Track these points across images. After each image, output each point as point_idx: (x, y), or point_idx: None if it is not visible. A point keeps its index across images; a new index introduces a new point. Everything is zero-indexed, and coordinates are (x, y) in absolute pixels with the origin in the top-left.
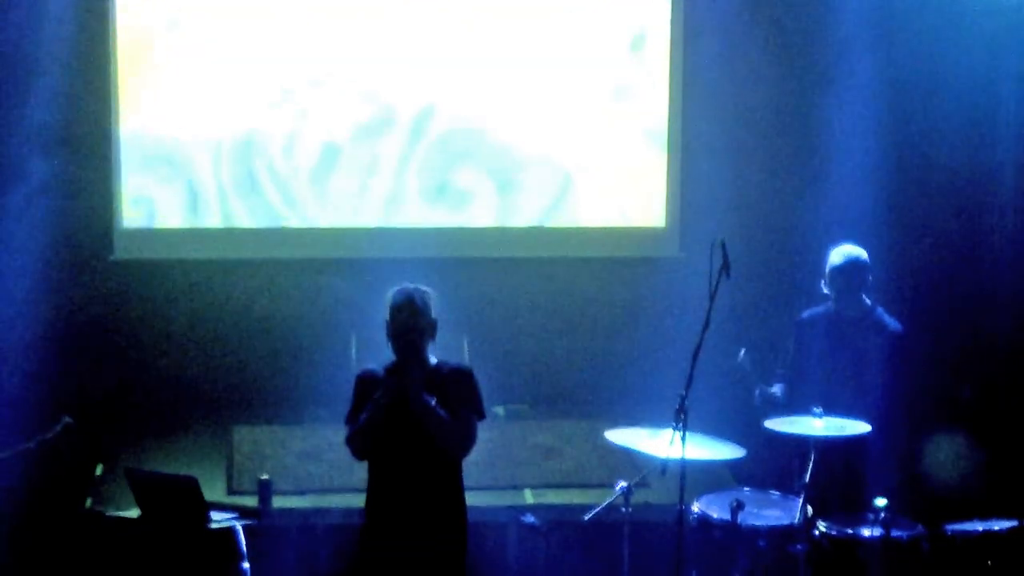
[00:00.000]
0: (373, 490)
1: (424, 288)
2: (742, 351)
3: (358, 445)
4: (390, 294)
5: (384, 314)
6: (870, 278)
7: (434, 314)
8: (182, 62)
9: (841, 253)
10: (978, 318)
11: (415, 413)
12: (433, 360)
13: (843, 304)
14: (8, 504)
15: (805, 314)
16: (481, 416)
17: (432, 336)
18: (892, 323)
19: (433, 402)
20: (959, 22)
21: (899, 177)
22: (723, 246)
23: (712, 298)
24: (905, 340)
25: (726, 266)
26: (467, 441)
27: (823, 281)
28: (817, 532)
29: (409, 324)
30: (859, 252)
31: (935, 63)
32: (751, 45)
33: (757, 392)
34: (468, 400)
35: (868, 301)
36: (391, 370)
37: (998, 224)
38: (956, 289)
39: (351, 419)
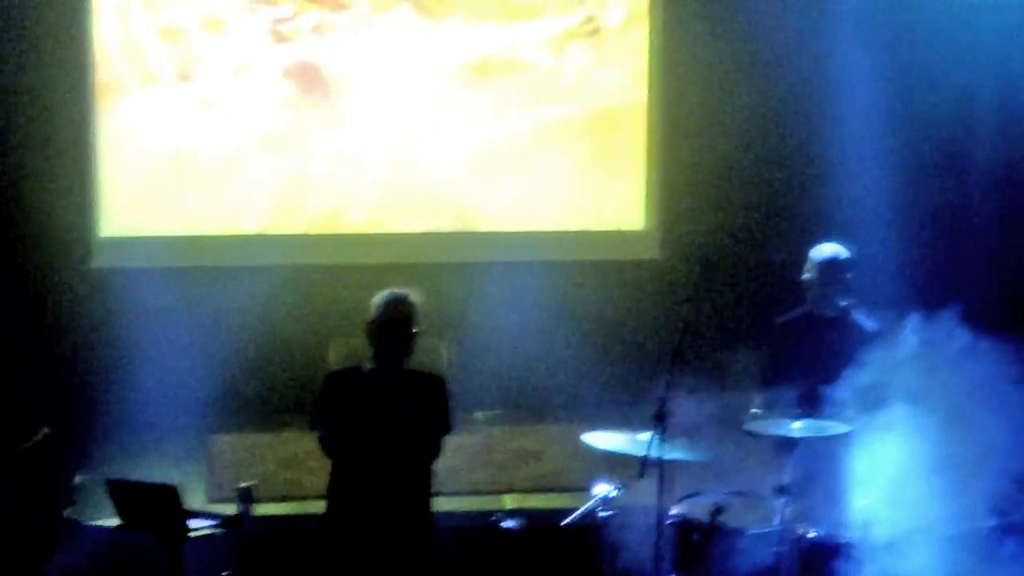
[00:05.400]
0: (334, 496)
1: (410, 293)
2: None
3: (329, 449)
4: (377, 297)
5: (368, 317)
6: (850, 276)
7: (417, 323)
8: (165, 70)
9: (822, 249)
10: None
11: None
12: (408, 365)
13: (821, 302)
14: None
15: (780, 318)
16: (448, 429)
17: (413, 342)
18: (869, 323)
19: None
20: (946, 24)
21: (882, 179)
22: (703, 249)
23: (692, 301)
24: (883, 339)
25: (706, 269)
26: (430, 453)
27: (804, 276)
28: (797, 534)
29: (392, 328)
30: (840, 250)
31: (922, 66)
32: (731, 48)
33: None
34: (437, 411)
35: (845, 302)
36: (367, 375)
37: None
38: (945, 293)
39: (318, 418)
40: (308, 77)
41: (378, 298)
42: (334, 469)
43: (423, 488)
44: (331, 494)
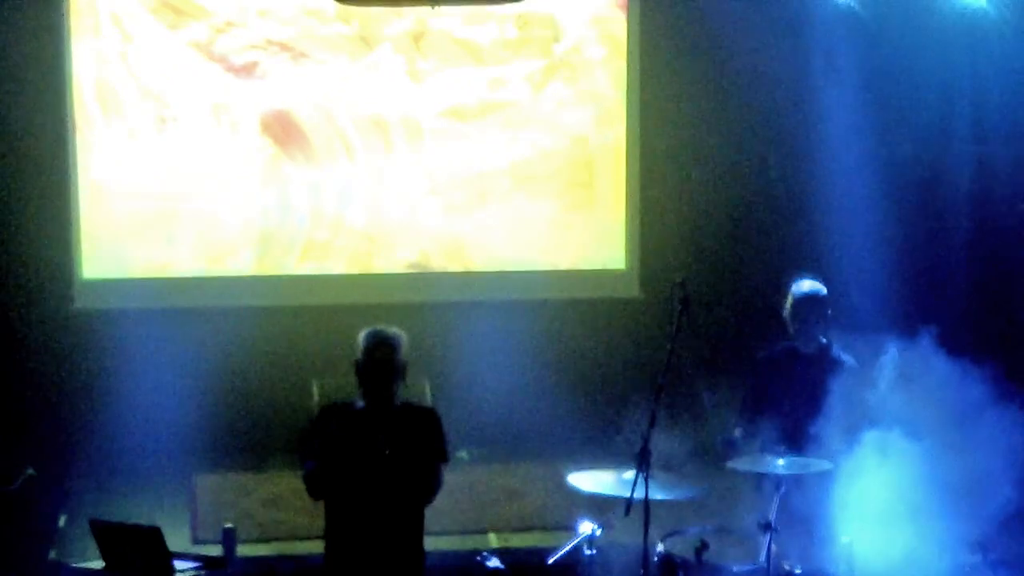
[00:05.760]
0: (331, 535)
1: (396, 330)
2: (705, 394)
3: (316, 485)
4: (363, 335)
5: (356, 355)
6: (829, 312)
7: (404, 358)
8: (141, 111)
9: (802, 286)
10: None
11: (378, 457)
12: (398, 401)
13: (801, 338)
14: None
15: (761, 353)
16: (446, 461)
17: (403, 378)
18: (848, 358)
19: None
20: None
21: (858, 213)
22: (683, 286)
23: (673, 338)
24: (862, 375)
25: (686, 306)
26: (432, 487)
27: (784, 313)
28: (783, 570)
29: (381, 364)
30: (819, 287)
31: (897, 100)
32: (707, 86)
33: (719, 439)
34: (434, 445)
35: (824, 339)
36: (358, 411)
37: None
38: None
39: (308, 450)
40: (284, 124)
41: (363, 335)
42: (328, 507)
43: (417, 522)
44: (328, 532)
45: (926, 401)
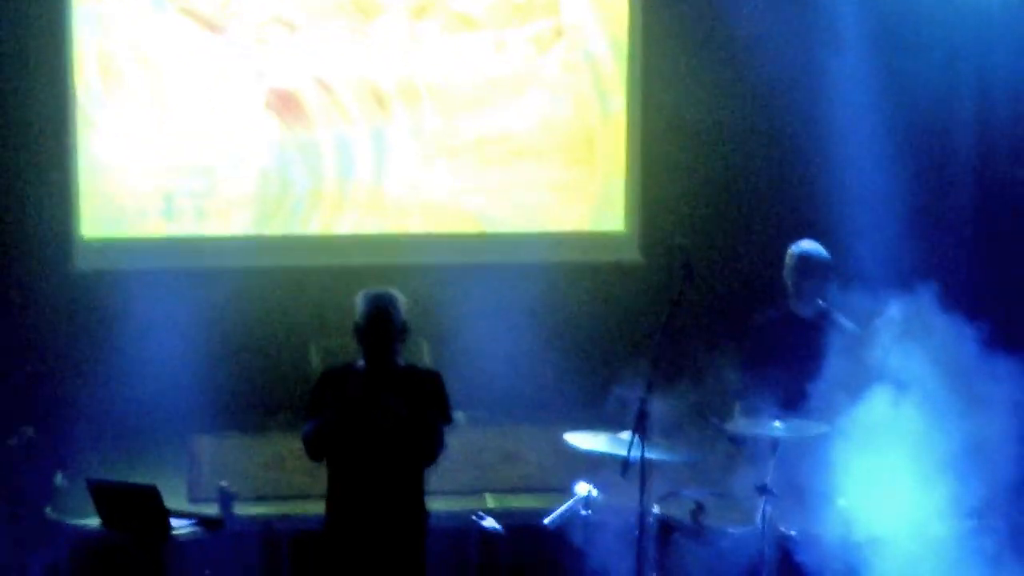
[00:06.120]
0: (333, 495)
1: (394, 292)
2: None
3: (316, 446)
4: (360, 296)
5: (355, 317)
6: (828, 275)
7: (403, 319)
8: (145, 73)
9: (801, 245)
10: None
11: (381, 418)
12: (401, 363)
13: (800, 302)
14: None
15: (759, 318)
16: (448, 422)
17: (403, 339)
18: (847, 323)
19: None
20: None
21: (864, 180)
22: (686, 252)
23: (675, 303)
24: (861, 340)
25: (689, 273)
26: (435, 448)
27: (784, 274)
28: (778, 533)
29: (381, 326)
30: (820, 249)
31: (900, 69)
32: (709, 52)
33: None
34: (437, 406)
35: (823, 302)
36: (360, 372)
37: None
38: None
39: (309, 413)
40: (284, 92)
41: (361, 297)
42: (330, 468)
43: (418, 483)
44: (330, 494)
45: (928, 362)
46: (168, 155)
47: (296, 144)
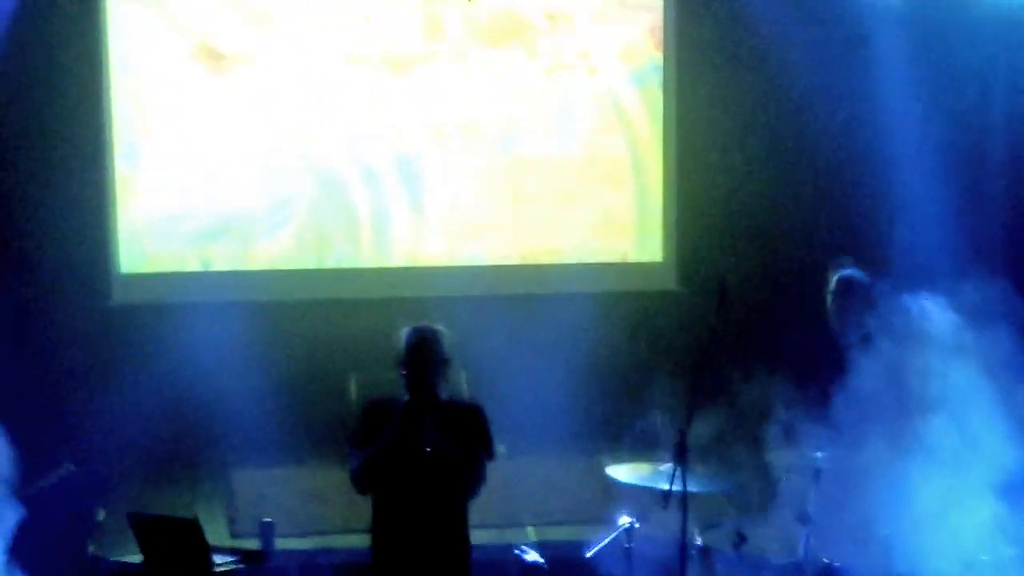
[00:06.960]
0: (379, 529)
1: (436, 326)
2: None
3: (363, 480)
4: (405, 331)
5: (398, 351)
6: (871, 299)
7: (445, 353)
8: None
9: (841, 271)
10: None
11: (425, 452)
12: (443, 396)
13: (841, 327)
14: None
15: (799, 346)
16: (491, 457)
17: (444, 374)
18: (891, 347)
19: (446, 442)
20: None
21: (903, 203)
22: (723, 280)
23: (713, 331)
24: (904, 363)
25: (724, 298)
26: (477, 482)
27: (826, 300)
28: (821, 563)
29: (424, 360)
30: (858, 274)
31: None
32: (747, 78)
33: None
34: (479, 440)
35: (867, 326)
36: (403, 406)
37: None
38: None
39: (355, 445)
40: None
41: (405, 331)
42: (375, 501)
43: (462, 516)
44: (375, 527)
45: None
46: (206, 191)
47: (334, 179)
